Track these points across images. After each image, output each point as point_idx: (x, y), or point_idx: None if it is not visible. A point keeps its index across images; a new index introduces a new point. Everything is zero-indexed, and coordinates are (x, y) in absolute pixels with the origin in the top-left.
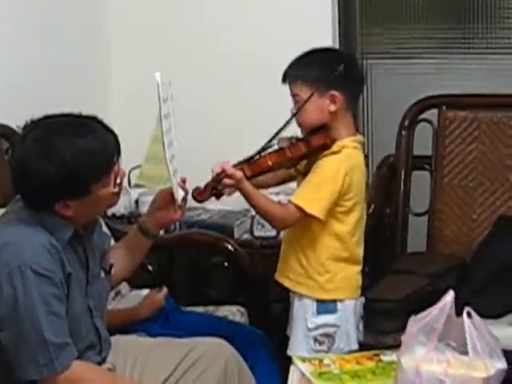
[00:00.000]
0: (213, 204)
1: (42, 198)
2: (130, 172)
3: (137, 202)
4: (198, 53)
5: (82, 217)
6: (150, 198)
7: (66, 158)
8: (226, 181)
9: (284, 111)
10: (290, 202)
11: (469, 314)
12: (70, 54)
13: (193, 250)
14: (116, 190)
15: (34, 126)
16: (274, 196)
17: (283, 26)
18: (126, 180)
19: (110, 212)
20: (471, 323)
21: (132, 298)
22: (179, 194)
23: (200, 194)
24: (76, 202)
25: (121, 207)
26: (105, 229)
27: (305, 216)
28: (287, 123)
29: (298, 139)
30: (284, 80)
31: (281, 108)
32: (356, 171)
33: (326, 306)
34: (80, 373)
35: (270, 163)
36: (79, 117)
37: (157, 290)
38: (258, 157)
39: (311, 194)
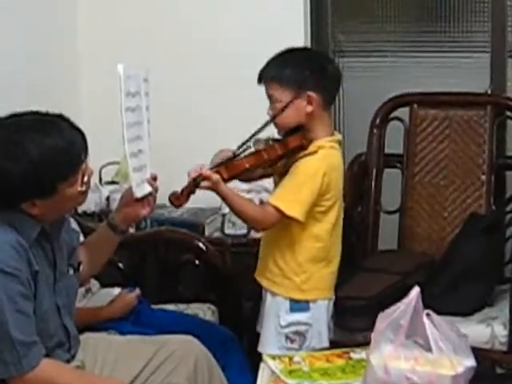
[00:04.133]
0: None
1: (8, 197)
2: (100, 169)
3: (108, 199)
4: (172, 51)
5: (49, 215)
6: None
7: (32, 158)
8: (204, 184)
9: (259, 109)
10: (268, 203)
11: (428, 315)
12: (39, 50)
13: (163, 247)
14: (83, 188)
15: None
16: (245, 194)
17: (256, 26)
18: (97, 177)
19: (80, 209)
20: (431, 323)
21: (102, 296)
22: (144, 190)
23: (177, 199)
24: (43, 200)
25: (91, 204)
26: (74, 225)
27: (284, 217)
28: (264, 126)
29: (274, 140)
30: (260, 81)
31: (256, 106)
32: (334, 171)
33: (299, 304)
34: (48, 371)
35: (246, 166)
36: (46, 115)
37: (129, 290)
38: (234, 159)
39: (290, 195)
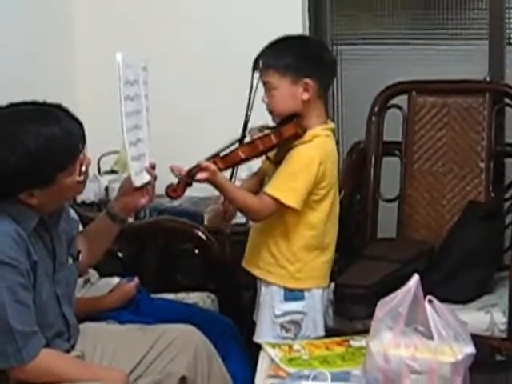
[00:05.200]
0: None
1: (6, 187)
2: (99, 159)
3: (107, 188)
4: (167, 40)
5: (47, 205)
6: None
7: (29, 148)
8: (200, 175)
9: (257, 100)
10: (265, 193)
11: (430, 301)
12: (36, 40)
13: (163, 236)
14: (81, 178)
15: None
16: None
17: (254, 14)
18: (95, 167)
19: (79, 199)
20: (433, 309)
21: (102, 286)
22: (143, 178)
23: (174, 191)
24: (41, 190)
25: (90, 194)
26: (73, 215)
27: (281, 207)
28: (248, 113)
29: (268, 128)
30: (255, 68)
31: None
32: (329, 159)
33: (293, 293)
34: (48, 361)
35: (242, 156)
36: (43, 105)
37: (127, 280)
38: (229, 150)
39: (286, 184)
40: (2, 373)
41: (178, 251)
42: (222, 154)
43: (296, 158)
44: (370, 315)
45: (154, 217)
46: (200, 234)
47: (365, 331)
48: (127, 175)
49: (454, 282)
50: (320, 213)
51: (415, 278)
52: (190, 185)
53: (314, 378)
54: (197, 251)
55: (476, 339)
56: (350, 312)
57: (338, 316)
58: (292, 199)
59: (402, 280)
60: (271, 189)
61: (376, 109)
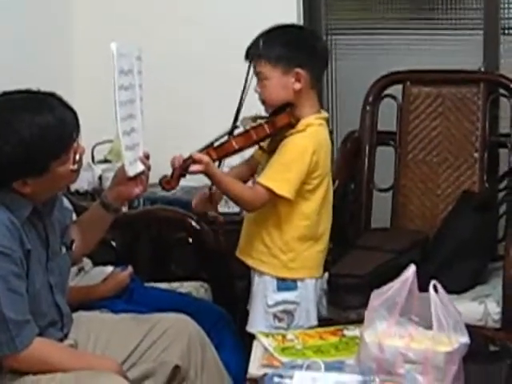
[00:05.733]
0: None
1: None
2: (93, 148)
3: (100, 178)
4: (163, 25)
5: (40, 194)
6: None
7: (23, 136)
8: (194, 167)
9: (251, 90)
10: (258, 183)
11: (435, 289)
12: (32, 28)
13: (156, 226)
14: (75, 167)
15: None
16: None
17: (247, 3)
18: (89, 156)
19: (73, 188)
20: (437, 297)
21: (95, 275)
22: (137, 168)
23: (168, 183)
24: (34, 179)
25: (84, 183)
26: (67, 204)
27: (274, 197)
28: (241, 103)
29: (261, 118)
30: (247, 57)
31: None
32: (322, 149)
33: (286, 283)
34: (41, 350)
35: (235, 146)
36: (37, 93)
37: (121, 269)
38: (223, 140)
39: (280, 174)
40: None
41: (171, 240)
42: (215, 145)
43: (289, 148)
44: (364, 305)
45: (148, 206)
46: (193, 223)
47: (358, 321)
48: (121, 165)
49: (447, 272)
50: (313, 202)
51: (412, 268)
52: (183, 176)
53: (308, 368)
54: (190, 240)
55: (470, 329)
56: (344, 302)
57: (331, 306)
58: (285, 189)
59: (396, 270)
60: (264, 179)
61: (370, 98)
